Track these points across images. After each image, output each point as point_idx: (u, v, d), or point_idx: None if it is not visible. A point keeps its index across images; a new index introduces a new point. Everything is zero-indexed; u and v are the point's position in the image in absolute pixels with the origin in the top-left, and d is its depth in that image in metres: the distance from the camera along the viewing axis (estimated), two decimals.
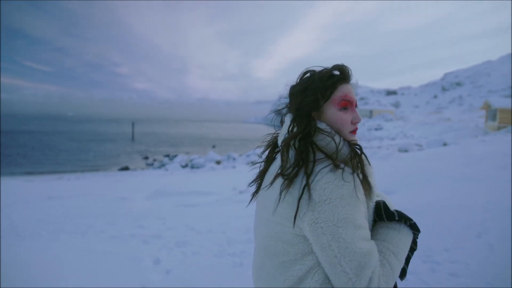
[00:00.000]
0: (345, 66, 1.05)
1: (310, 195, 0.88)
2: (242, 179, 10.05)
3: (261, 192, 1.09)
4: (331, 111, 1.01)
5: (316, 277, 0.91)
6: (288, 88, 1.10)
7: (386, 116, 57.94)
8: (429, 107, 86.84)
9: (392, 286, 0.90)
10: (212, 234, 5.17)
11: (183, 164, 21.71)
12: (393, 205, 1.08)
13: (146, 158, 29.30)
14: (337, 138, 0.98)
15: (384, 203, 1.02)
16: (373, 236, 0.98)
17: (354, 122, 1.03)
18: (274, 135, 1.18)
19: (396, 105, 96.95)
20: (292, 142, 0.99)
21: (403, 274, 0.98)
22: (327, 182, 0.87)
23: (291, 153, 0.99)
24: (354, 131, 1.03)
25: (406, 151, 16.53)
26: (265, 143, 1.19)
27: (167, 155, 29.08)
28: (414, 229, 1.01)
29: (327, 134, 0.98)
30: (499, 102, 30.46)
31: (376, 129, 45.05)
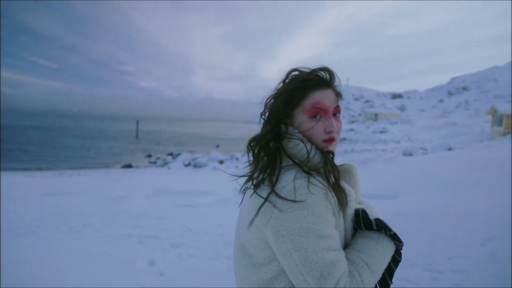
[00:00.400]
0: (326, 70, 1.00)
1: (274, 203, 0.87)
2: (243, 179, 9.96)
3: (246, 193, 1.09)
4: (301, 119, 0.98)
5: (283, 283, 0.91)
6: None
7: (391, 119, 57.76)
8: (435, 111, 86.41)
9: None
10: (209, 235, 5.09)
11: (186, 163, 21.74)
12: (376, 213, 1.02)
13: (150, 156, 29.38)
14: (308, 145, 0.95)
15: (363, 211, 0.97)
16: (350, 245, 0.95)
17: (327, 131, 0.97)
18: None
19: (402, 108, 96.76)
20: (257, 146, 0.99)
21: None
22: (291, 190, 0.86)
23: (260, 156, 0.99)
24: (328, 140, 0.97)
25: (410, 154, 16.41)
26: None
27: (171, 154, 29.17)
28: (396, 239, 0.95)
29: (297, 138, 0.95)
30: (506, 107, 30.19)
31: (381, 132, 45.11)
